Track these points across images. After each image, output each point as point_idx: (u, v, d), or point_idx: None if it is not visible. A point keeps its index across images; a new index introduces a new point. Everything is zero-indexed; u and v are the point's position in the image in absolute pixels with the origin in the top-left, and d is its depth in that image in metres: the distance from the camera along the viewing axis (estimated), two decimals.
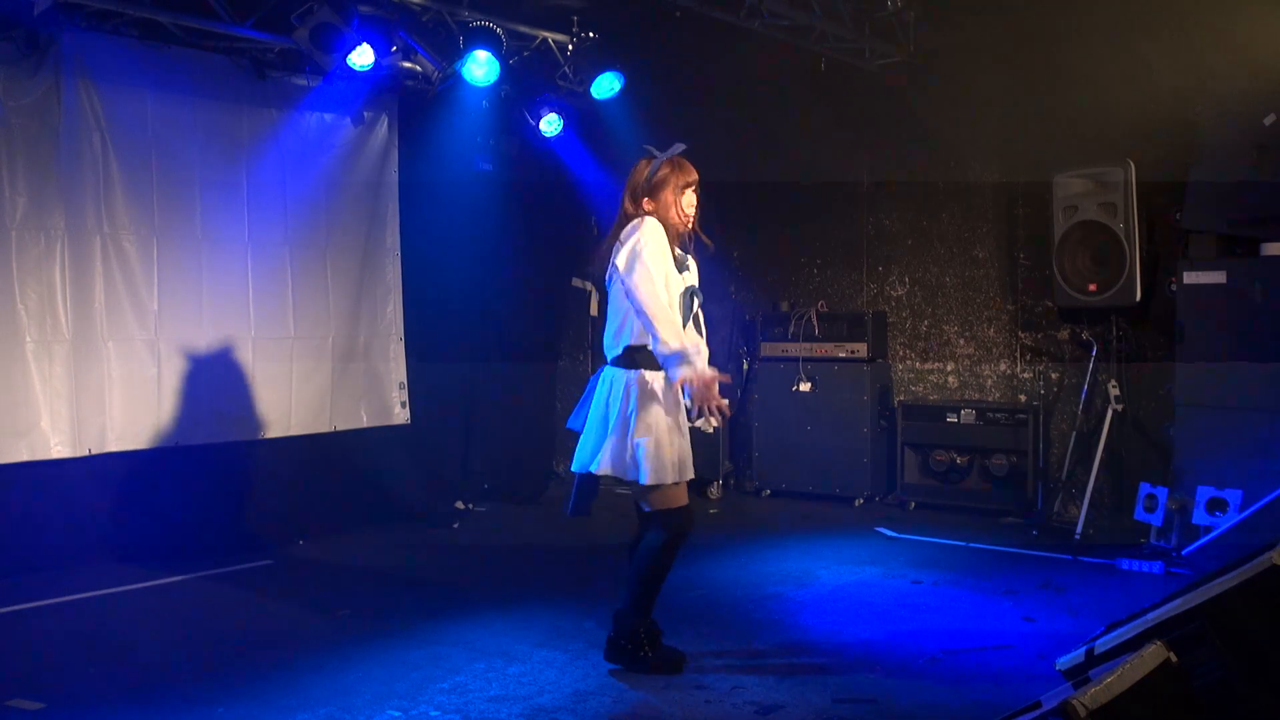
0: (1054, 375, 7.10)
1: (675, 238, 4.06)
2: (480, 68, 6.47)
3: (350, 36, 5.79)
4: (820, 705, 3.78)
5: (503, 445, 7.94)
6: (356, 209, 7.18)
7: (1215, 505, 5.56)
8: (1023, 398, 7.19)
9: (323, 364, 6.97)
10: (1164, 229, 6.39)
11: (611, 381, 4.01)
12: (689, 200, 4.07)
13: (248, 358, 6.58)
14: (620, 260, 3.92)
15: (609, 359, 4.06)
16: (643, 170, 4.07)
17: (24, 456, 5.63)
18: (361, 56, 5.97)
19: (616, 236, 4.03)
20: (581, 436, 4.07)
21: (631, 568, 4.12)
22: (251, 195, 6.60)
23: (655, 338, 3.79)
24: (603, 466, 3.95)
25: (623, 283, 3.88)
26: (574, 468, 4.05)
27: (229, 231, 6.50)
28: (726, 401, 3.88)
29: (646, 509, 4.02)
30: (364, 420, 7.20)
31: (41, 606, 5.10)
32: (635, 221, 3.97)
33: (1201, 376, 5.80)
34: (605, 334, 4.08)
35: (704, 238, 4.17)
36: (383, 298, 7.36)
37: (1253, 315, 5.62)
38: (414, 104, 7.33)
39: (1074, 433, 6.66)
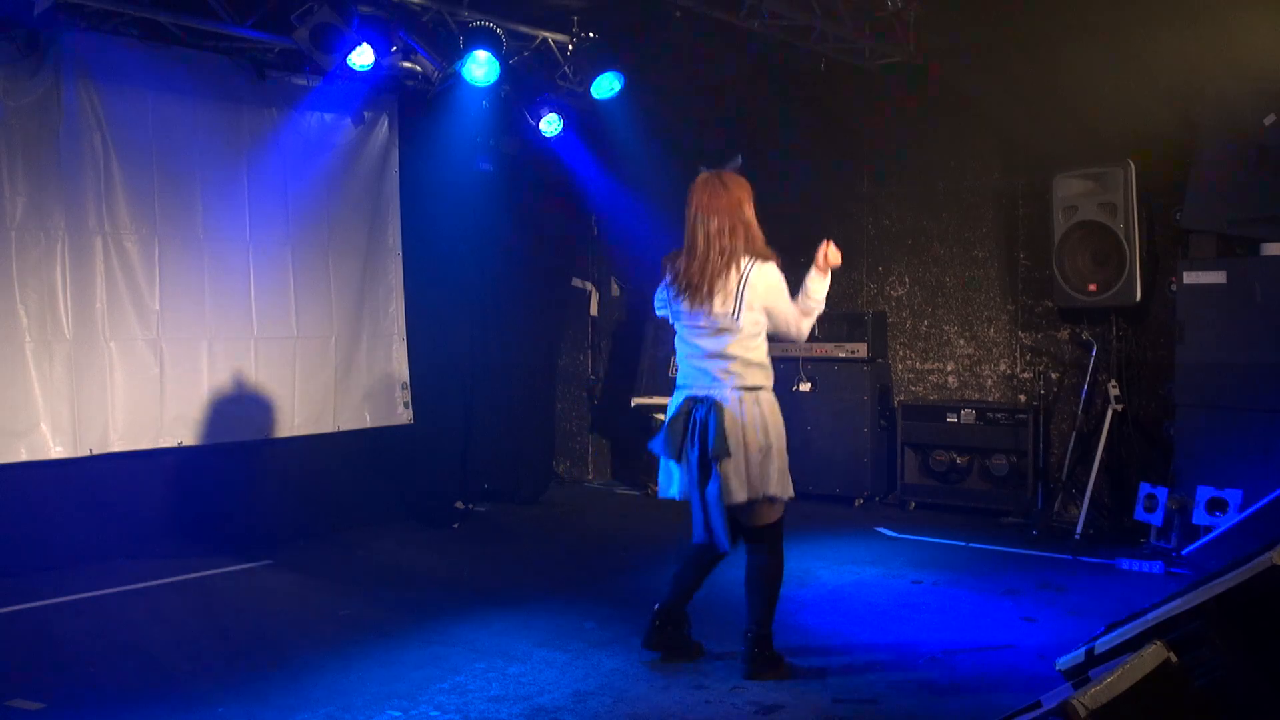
0: (1054, 375, 7.10)
1: None
2: (480, 68, 6.47)
3: (350, 36, 5.79)
4: (820, 705, 3.78)
5: (503, 445, 7.93)
6: (358, 209, 7.18)
7: (1215, 505, 5.56)
8: (1023, 398, 7.19)
9: (325, 364, 6.97)
10: (1164, 229, 6.39)
11: (744, 404, 3.98)
12: None
13: (250, 358, 6.58)
14: (770, 317, 4.05)
15: (726, 385, 3.99)
16: (743, 182, 4.09)
17: (23, 457, 5.63)
18: (361, 56, 5.97)
19: (720, 261, 3.98)
20: (725, 466, 3.94)
21: (755, 594, 4.12)
22: (253, 195, 6.60)
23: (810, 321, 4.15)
24: (753, 491, 3.99)
25: (789, 330, 4.08)
26: (731, 499, 3.95)
27: (230, 231, 6.50)
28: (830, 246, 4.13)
29: (759, 524, 4.07)
30: (367, 420, 7.19)
31: (41, 606, 5.10)
32: (766, 266, 4.01)
33: (1201, 376, 5.80)
34: (711, 366, 4.03)
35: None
36: (385, 297, 7.36)
37: (1253, 315, 5.62)
38: (414, 104, 7.32)
39: (1074, 433, 6.65)
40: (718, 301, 3.99)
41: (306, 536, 6.55)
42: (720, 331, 4.01)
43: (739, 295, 3.97)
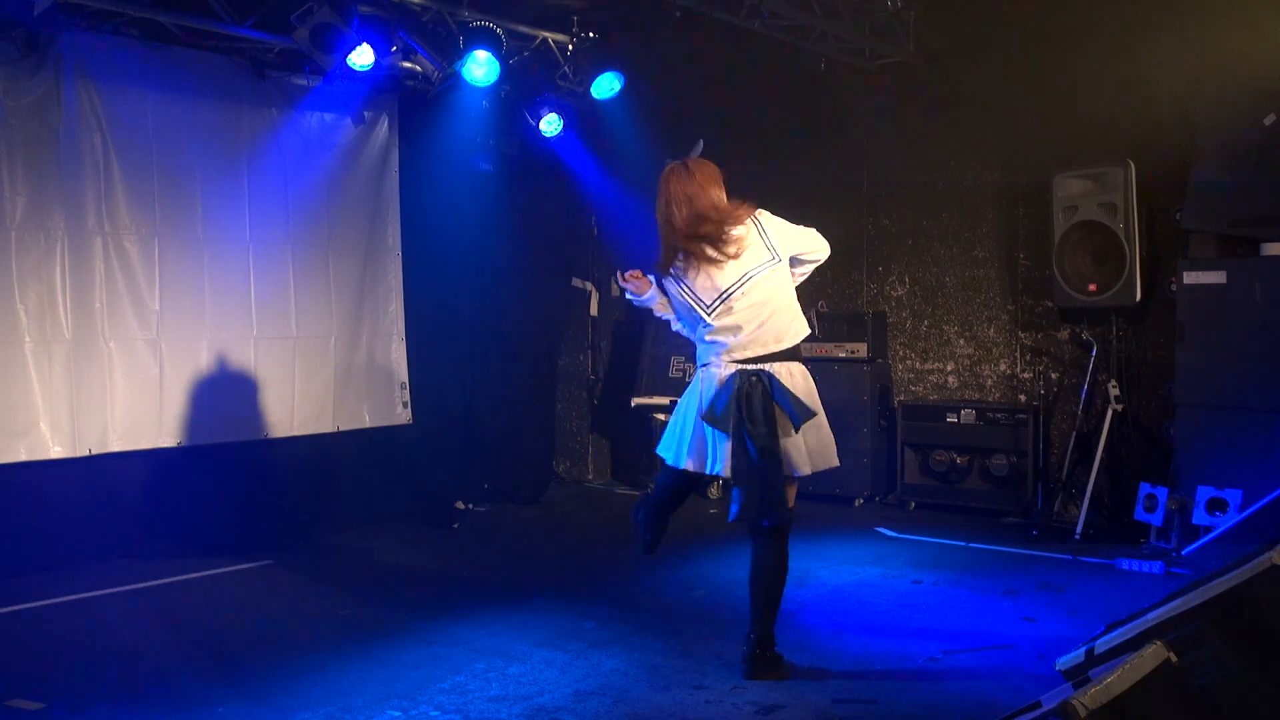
0: (1054, 375, 7.10)
1: None
2: (480, 68, 6.47)
3: (350, 36, 5.79)
4: (820, 705, 3.78)
5: (503, 445, 7.93)
6: (358, 209, 7.18)
7: (1215, 505, 5.56)
8: (1023, 398, 7.19)
9: (325, 364, 6.97)
10: (1164, 229, 6.38)
11: (795, 376, 4.01)
12: None
13: (250, 358, 6.58)
14: (797, 242, 4.12)
15: (774, 353, 4.01)
16: (708, 166, 4.12)
17: (22, 457, 5.63)
18: (361, 56, 5.97)
19: (730, 227, 3.97)
20: (789, 442, 3.96)
21: (760, 591, 4.05)
22: (253, 195, 6.60)
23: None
24: (814, 465, 4.06)
25: (817, 257, 4.21)
26: (798, 471, 4.02)
27: (230, 231, 6.50)
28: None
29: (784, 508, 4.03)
30: (367, 420, 7.20)
31: (42, 607, 5.10)
32: (760, 214, 4.05)
33: (1201, 376, 5.80)
34: (767, 328, 4.00)
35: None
36: (384, 297, 7.36)
37: (1253, 315, 5.62)
38: (414, 104, 7.33)
39: (1074, 433, 6.65)
40: (748, 256, 3.97)
41: (306, 536, 6.55)
42: (760, 279, 3.98)
43: (767, 242, 4.01)
